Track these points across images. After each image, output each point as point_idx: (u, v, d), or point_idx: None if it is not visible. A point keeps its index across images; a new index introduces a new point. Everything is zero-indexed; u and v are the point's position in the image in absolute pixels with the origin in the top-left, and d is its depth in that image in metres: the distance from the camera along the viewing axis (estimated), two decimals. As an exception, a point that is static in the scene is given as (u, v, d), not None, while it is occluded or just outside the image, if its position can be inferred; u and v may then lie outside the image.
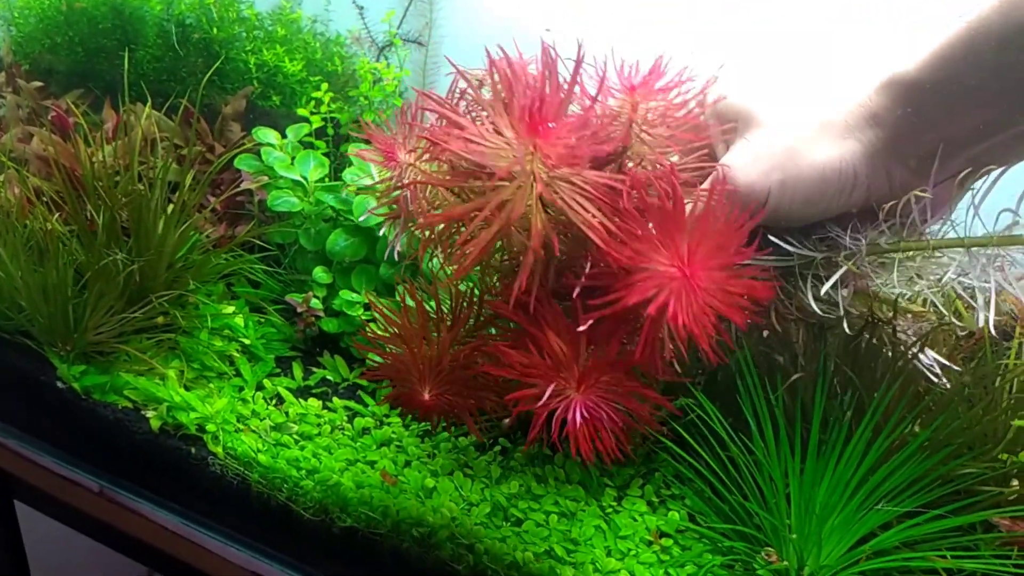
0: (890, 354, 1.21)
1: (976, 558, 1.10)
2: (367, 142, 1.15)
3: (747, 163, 1.05)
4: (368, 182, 1.52)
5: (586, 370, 1.09)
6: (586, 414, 1.08)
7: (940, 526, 1.10)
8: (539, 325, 1.09)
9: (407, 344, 1.17)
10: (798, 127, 1.06)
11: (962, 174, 1.04)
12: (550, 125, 0.92)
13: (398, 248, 1.21)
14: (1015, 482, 1.15)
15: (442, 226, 1.10)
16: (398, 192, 1.14)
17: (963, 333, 1.28)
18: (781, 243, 1.12)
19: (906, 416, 1.16)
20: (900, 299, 1.15)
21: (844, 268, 1.11)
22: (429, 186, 1.12)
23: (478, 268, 1.28)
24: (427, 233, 1.11)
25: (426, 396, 1.17)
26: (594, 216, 0.93)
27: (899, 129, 1.03)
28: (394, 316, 1.21)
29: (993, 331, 1.04)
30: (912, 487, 1.13)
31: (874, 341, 1.22)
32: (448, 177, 1.02)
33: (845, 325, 1.12)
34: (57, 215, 1.40)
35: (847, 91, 1.07)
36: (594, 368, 1.10)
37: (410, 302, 1.22)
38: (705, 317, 0.95)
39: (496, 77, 0.98)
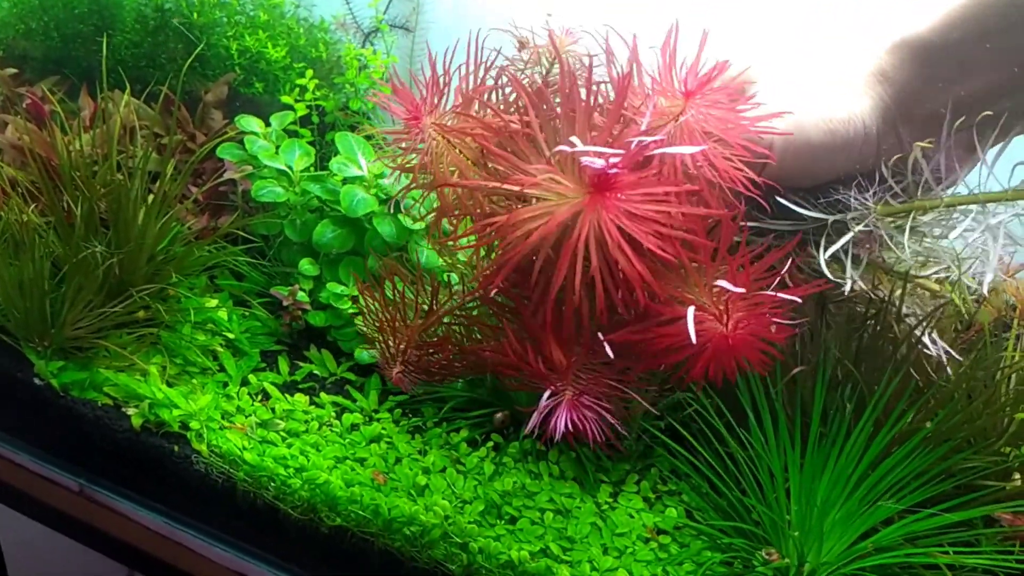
0: (896, 329, 1.19)
1: (977, 553, 1.09)
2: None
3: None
4: (356, 172, 1.49)
5: (578, 375, 1.08)
6: (574, 418, 1.06)
7: (942, 521, 1.09)
8: (536, 326, 1.07)
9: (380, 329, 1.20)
10: (805, 87, 1.04)
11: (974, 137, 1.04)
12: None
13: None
14: (1017, 476, 1.14)
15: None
16: (415, 157, 1.09)
17: (963, 325, 1.27)
18: (792, 206, 1.09)
19: (907, 410, 1.14)
20: (912, 265, 1.13)
21: (852, 234, 1.08)
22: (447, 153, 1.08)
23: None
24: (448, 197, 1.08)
25: (392, 374, 1.19)
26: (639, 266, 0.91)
27: (909, 89, 1.03)
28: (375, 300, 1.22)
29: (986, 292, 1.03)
30: (914, 481, 1.12)
31: (878, 327, 1.20)
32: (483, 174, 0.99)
33: (850, 282, 1.09)
34: (33, 206, 1.36)
35: (855, 53, 1.05)
36: (587, 374, 1.08)
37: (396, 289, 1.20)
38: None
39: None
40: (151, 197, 1.40)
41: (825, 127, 1.03)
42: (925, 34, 1.02)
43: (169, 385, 1.32)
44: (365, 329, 1.26)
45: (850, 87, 1.05)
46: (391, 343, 1.20)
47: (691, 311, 0.91)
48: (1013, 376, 1.18)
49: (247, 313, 1.49)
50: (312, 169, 1.55)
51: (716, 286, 0.94)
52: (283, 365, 1.44)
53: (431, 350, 1.19)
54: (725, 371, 0.97)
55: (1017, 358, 1.21)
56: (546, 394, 1.05)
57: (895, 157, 1.08)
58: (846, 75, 1.06)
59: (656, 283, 0.92)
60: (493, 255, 1.07)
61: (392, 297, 1.21)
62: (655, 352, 1.00)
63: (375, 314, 1.22)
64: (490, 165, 1.01)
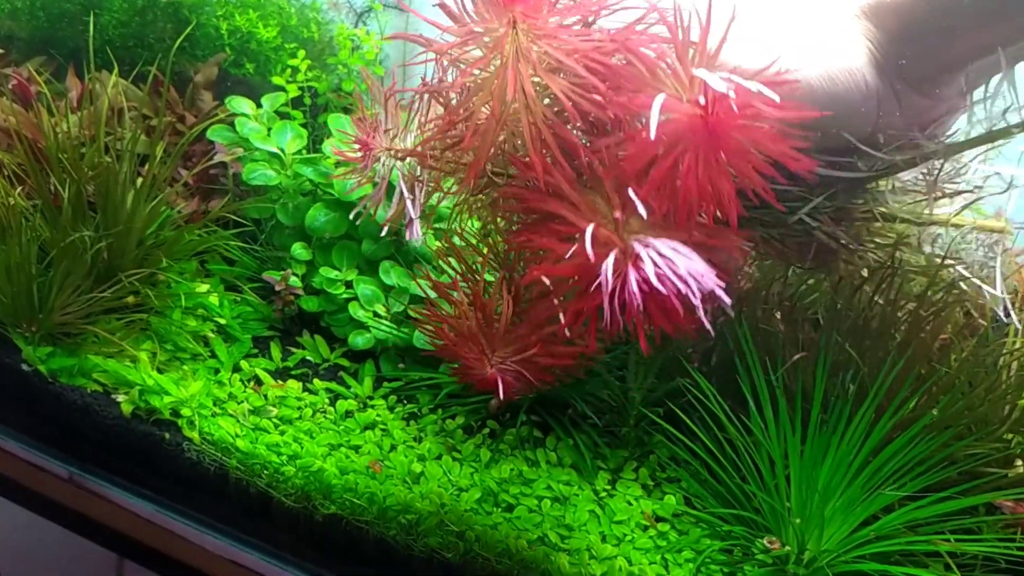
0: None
1: (979, 541, 1.08)
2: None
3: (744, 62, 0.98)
4: (350, 155, 1.46)
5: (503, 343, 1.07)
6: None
7: (943, 509, 1.08)
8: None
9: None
10: (793, 36, 1.01)
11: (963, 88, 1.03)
12: None
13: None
14: (1019, 463, 1.13)
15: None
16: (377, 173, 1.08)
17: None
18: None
19: (909, 396, 1.13)
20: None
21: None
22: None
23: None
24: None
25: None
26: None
27: (894, 45, 1.00)
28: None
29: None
30: (915, 469, 1.11)
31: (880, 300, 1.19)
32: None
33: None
34: (19, 189, 1.33)
35: (830, 15, 1.02)
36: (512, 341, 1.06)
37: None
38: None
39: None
40: (140, 180, 1.37)
41: (828, 79, 1.00)
42: None
43: (159, 371, 1.29)
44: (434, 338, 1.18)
45: (843, 38, 1.01)
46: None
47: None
48: (1015, 363, 1.17)
49: (239, 298, 1.46)
50: (304, 152, 1.53)
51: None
52: (275, 351, 1.42)
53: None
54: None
55: (1019, 344, 1.20)
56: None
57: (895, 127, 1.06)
58: (826, 32, 1.02)
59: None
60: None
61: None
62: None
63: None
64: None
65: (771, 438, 1.14)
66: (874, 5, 1.00)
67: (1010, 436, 1.12)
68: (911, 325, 1.18)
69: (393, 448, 1.25)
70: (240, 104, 1.55)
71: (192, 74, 1.66)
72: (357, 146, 1.10)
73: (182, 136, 1.48)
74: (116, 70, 1.49)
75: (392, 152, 1.08)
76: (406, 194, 1.10)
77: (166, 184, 1.43)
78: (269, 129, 1.53)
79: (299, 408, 1.30)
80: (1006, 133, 1.02)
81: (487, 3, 0.88)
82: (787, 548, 1.08)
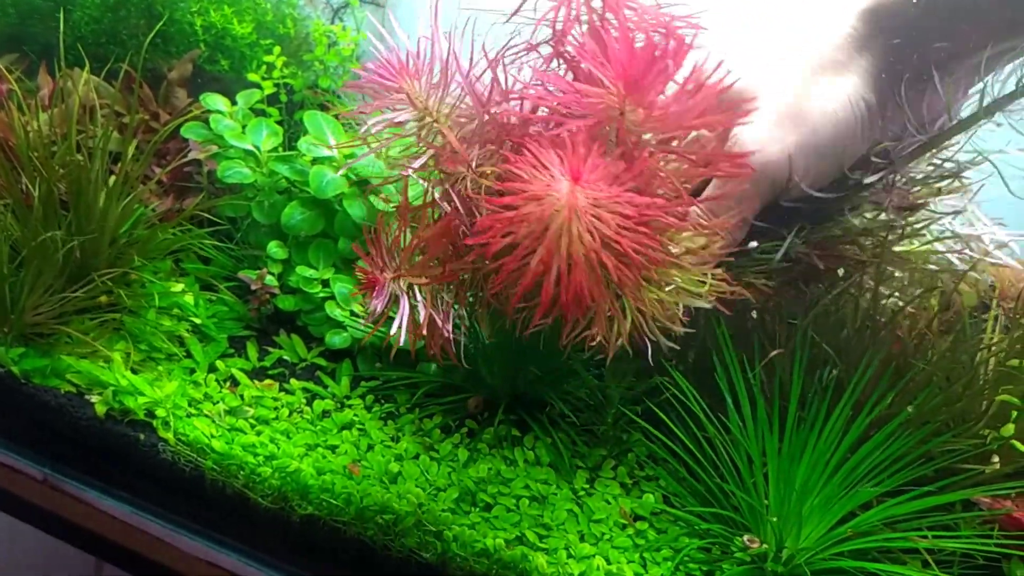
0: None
1: (957, 537, 1.08)
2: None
3: (757, 140, 0.98)
4: (325, 152, 1.45)
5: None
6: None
7: (921, 505, 1.08)
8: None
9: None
10: (793, 82, 1.01)
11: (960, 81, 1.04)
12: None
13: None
14: (996, 459, 1.13)
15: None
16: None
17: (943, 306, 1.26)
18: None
19: (886, 393, 1.13)
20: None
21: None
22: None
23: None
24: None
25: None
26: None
27: (890, 53, 1.00)
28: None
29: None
30: (893, 465, 1.11)
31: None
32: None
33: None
34: (-11, 188, 1.31)
35: (826, 26, 1.02)
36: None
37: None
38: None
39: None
40: (113, 178, 1.35)
41: (833, 121, 1.00)
42: None
43: (134, 372, 1.28)
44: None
45: (835, 66, 1.01)
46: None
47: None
48: (992, 358, 1.17)
49: (214, 298, 1.45)
50: (280, 149, 1.51)
51: None
52: (252, 351, 1.40)
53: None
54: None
55: (997, 339, 1.20)
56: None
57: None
58: (826, 54, 1.02)
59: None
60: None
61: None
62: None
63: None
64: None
65: (749, 436, 1.14)
66: (872, 7, 1.00)
67: (987, 432, 1.12)
68: (889, 320, 1.19)
69: (370, 448, 1.24)
70: (214, 101, 1.53)
71: (166, 71, 1.64)
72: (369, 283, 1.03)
73: (155, 134, 1.46)
74: (87, 67, 1.47)
75: (401, 278, 1.02)
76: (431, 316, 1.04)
77: (139, 182, 1.41)
78: (244, 126, 1.51)
79: (276, 408, 1.29)
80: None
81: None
82: (764, 546, 1.08)
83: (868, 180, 1.07)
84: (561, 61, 0.95)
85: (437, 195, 0.98)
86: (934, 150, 1.11)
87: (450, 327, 1.02)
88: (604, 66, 0.81)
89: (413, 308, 1.01)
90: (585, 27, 0.91)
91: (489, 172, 0.91)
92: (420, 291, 1.02)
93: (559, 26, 0.92)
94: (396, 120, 0.97)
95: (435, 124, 0.96)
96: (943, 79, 1.03)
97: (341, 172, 1.44)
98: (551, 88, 0.90)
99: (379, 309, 1.00)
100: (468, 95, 0.95)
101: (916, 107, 1.04)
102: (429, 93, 0.96)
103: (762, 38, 1.07)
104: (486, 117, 0.94)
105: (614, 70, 0.80)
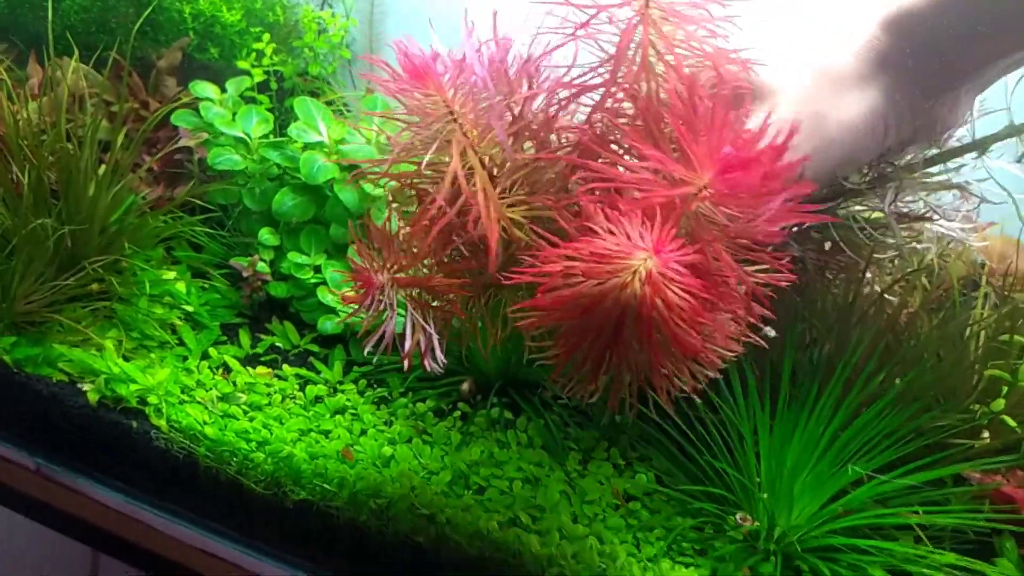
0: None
1: (947, 512, 1.08)
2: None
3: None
4: (315, 138, 1.45)
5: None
6: None
7: (911, 481, 1.08)
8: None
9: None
10: (816, 89, 1.00)
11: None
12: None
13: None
14: (985, 433, 1.13)
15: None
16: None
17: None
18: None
19: (877, 371, 1.13)
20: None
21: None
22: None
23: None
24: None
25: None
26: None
27: (913, 63, 1.00)
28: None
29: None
30: (884, 442, 1.11)
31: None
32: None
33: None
34: (-21, 177, 1.30)
35: (849, 35, 1.02)
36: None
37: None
38: None
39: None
40: (103, 167, 1.35)
41: (852, 135, 1.00)
42: (921, 5, 0.98)
43: (126, 359, 1.28)
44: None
45: (859, 80, 1.01)
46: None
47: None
48: (982, 333, 1.18)
49: (206, 285, 1.45)
50: (271, 136, 1.51)
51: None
52: (244, 338, 1.40)
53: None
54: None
55: (986, 316, 1.20)
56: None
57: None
58: (850, 65, 1.02)
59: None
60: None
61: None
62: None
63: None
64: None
65: (741, 415, 1.14)
66: (896, 16, 1.00)
67: (976, 407, 1.13)
68: (879, 299, 1.19)
69: (363, 432, 1.24)
70: (204, 89, 1.53)
71: (155, 60, 1.63)
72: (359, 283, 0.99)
73: (146, 122, 1.45)
74: (76, 55, 1.47)
75: (395, 283, 0.98)
76: (419, 322, 1.02)
77: (129, 170, 1.41)
78: (234, 114, 1.51)
79: (268, 394, 1.29)
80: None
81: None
82: (756, 524, 1.08)
83: (868, 187, 1.08)
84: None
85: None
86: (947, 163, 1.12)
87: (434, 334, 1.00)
88: (695, 144, 0.78)
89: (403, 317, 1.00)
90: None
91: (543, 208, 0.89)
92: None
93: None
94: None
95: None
96: (964, 90, 1.04)
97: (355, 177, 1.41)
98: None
99: (371, 311, 0.99)
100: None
101: (931, 118, 1.05)
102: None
103: (782, 35, 1.06)
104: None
105: (706, 155, 0.77)
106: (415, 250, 0.96)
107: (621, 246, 0.78)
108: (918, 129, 1.05)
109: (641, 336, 0.80)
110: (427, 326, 0.99)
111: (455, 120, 0.89)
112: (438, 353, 1.00)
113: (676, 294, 0.77)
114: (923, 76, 1.01)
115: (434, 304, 0.99)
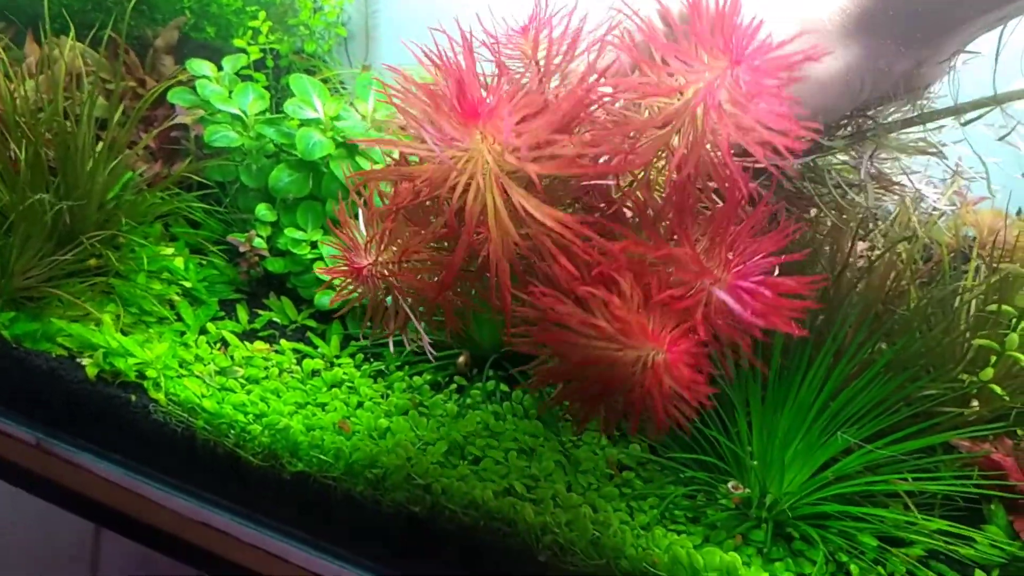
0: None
1: (937, 480, 1.10)
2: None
3: None
4: (311, 114, 1.45)
5: None
6: None
7: (901, 449, 1.09)
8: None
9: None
10: (808, 37, 1.00)
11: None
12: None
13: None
14: (975, 402, 1.14)
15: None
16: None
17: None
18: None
19: (866, 340, 1.14)
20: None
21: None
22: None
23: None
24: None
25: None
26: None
27: (894, 18, 1.00)
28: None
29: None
30: (874, 411, 1.12)
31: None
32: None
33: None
34: (-24, 154, 1.31)
35: None
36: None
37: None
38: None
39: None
40: (100, 144, 1.36)
41: (821, 91, 1.00)
42: None
43: (124, 334, 1.29)
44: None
45: (839, 37, 1.01)
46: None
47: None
48: (971, 303, 1.19)
49: (204, 261, 1.46)
50: (267, 114, 1.51)
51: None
52: (242, 313, 1.41)
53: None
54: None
55: (975, 285, 1.21)
56: None
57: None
58: (830, 24, 1.02)
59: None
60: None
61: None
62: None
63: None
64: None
65: (732, 385, 1.15)
66: None
67: (966, 377, 1.14)
68: (869, 267, 1.20)
69: (360, 405, 1.25)
70: (200, 67, 1.53)
71: (152, 39, 1.64)
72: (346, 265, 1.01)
73: (143, 100, 1.46)
74: (73, 34, 1.47)
75: (377, 267, 0.99)
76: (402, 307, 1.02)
77: (126, 147, 1.42)
78: (230, 91, 1.52)
79: (265, 368, 1.30)
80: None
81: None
82: (749, 492, 1.09)
83: (843, 143, 1.08)
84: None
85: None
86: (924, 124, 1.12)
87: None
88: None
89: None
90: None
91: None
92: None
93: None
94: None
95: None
96: (945, 45, 1.04)
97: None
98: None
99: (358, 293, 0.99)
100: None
101: (911, 73, 1.05)
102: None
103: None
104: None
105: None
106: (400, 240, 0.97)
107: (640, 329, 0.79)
108: (897, 84, 1.05)
109: (643, 396, 0.82)
110: (405, 307, 1.00)
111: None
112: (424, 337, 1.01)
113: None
114: (904, 31, 1.02)
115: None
